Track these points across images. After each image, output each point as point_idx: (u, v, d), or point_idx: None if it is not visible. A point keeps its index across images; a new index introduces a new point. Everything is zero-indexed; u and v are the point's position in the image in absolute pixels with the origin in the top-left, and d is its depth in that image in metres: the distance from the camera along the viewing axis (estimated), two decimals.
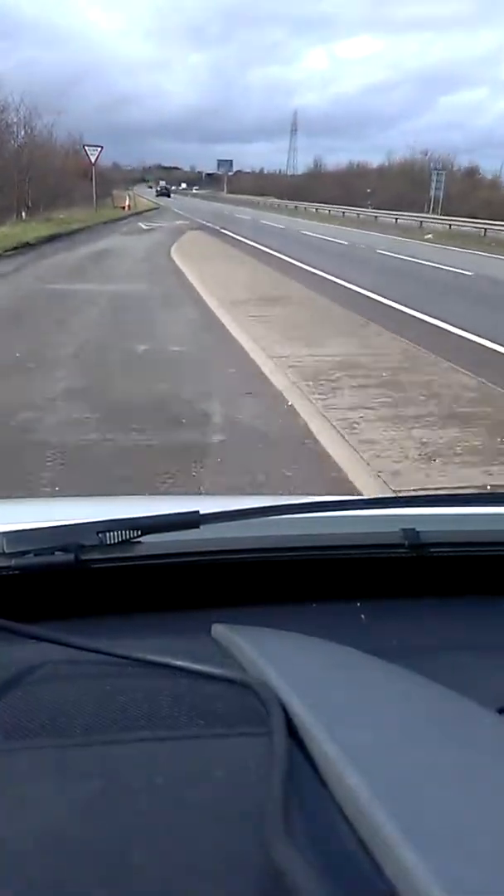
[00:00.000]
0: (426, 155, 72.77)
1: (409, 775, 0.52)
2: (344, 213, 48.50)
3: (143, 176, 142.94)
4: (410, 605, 0.93)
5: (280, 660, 0.68)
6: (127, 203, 42.94)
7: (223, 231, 27.53)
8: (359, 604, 0.91)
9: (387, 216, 43.43)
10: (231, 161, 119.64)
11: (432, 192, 50.54)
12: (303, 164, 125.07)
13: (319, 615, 0.89)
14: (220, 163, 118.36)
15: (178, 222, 33.91)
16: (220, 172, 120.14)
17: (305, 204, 59.48)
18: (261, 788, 0.51)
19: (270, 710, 0.59)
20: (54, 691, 0.67)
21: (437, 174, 53.01)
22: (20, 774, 0.56)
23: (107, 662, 0.69)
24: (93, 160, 33.35)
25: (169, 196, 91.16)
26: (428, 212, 47.39)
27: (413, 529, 0.93)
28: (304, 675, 0.67)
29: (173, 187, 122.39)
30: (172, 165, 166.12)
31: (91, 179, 33.92)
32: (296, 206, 59.88)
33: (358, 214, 47.18)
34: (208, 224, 32.66)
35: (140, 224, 32.35)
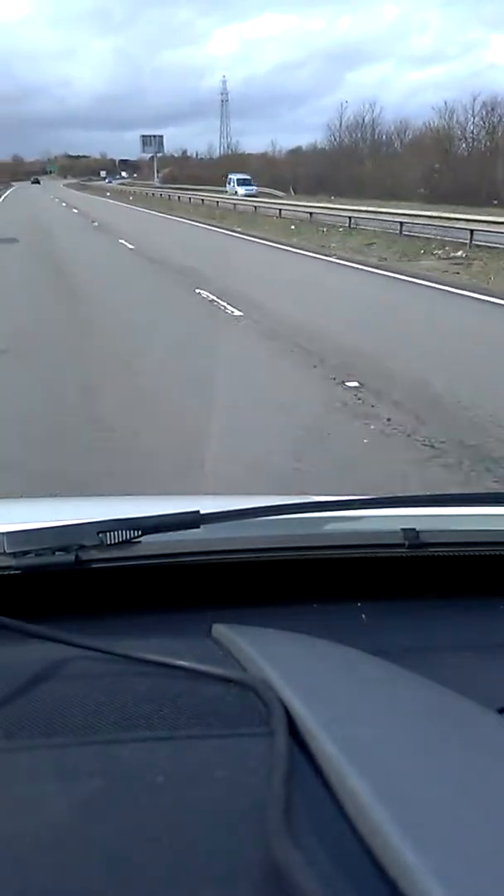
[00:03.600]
0: None
1: (410, 775, 0.52)
2: None
3: (45, 167, 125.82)
4: (411, 605, 0.93)
5: (280, 660, 0.68)
6: None
7: None
8: (359, 604, 0.91)
9: None
10: (161, 137, 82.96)
11: None
12: (224, 146, 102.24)
13: (320, 615, 0.89)
14: (146, 140, 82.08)
15: None
16: (144, 155, 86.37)
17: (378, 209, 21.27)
18: (262, 788, 0.51)
19: (271, 710, 0.59)
20: (54, 691, 0.66)
21: None
22: (20, 774, 0.55)
23: (107, 662, 0.69)
24: None
25: (39, 183, 79.86)
26: None
27: (413, 529, 0.93)
28: (305, 675, 0.67)
29: (95, 180, 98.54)
30: (81, 154, 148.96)
31: None
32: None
33: None
34: None
35: None
